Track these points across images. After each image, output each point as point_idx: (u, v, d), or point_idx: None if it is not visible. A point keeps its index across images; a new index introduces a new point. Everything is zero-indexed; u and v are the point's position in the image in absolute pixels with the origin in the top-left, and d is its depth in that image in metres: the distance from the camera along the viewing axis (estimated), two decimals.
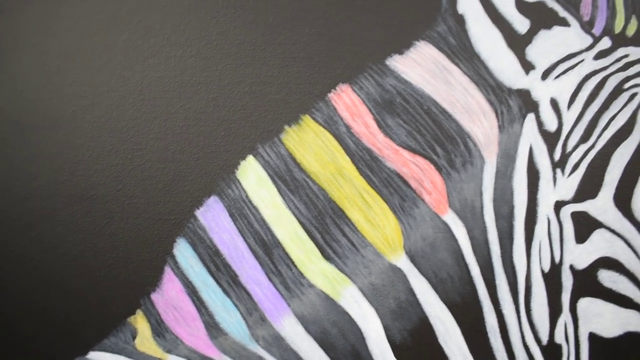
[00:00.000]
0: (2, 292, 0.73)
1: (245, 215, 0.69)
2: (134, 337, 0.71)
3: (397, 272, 0.69)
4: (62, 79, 0.71)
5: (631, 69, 0.69)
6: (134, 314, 0.71)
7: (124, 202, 0.70)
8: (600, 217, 0.69)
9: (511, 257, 0.69)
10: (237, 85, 0.68)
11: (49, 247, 0.71)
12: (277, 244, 0.69)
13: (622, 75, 0.69)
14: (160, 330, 0.71)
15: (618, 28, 0.69)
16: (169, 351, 0.71)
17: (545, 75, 0.69)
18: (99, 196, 0.70)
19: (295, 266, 0.69)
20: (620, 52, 0.69)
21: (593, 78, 0.69)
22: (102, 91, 0.70)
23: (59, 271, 0.71)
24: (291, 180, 0.68)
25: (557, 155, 0.69)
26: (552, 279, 0.69)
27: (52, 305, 0.72)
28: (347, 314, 0.69)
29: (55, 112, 0.71)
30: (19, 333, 0.73)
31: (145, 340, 0.71)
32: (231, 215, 0.69)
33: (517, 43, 0.68)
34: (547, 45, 0.68)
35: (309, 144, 0.69)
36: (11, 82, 0.71)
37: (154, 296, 0.70)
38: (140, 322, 0.71)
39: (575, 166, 0.69)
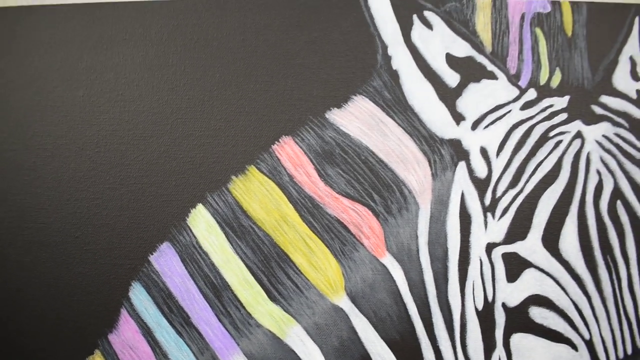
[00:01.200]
0: None
1: (195, 260, 0.74)
2: None
3: (339, 312, 0.73)
4: (24, 132, 0.76)
5: (556, 118, 0.75)
6: (92, 354, 0.75)
7: (82, 248, 0.75)
8: (529, 258, 0.74)
9: (446, 296, 0.74)
10: (187, 138, 0.73)
11: (11, 291, 0.76)
12: (226, 286, 0.74)
13: (547, 124, 0.75)
14: None
15: (543, 80, 0.74)
16: None
17: (474, 125, 0.74)
18: (58, 242, 0.75)
19: (243, 307, 0.74)
20: (546, 102, 0.74)
21: (520, 127, 0.74)
22: (61, 143, 0.75)
23: (20, 312, 0.76)
24: (238, 227, 0.73)
25: (488, 200, 0.74)
26: (486, 316, 0.74)
27: (14, 346, 0.76)
28: (293, 352, 0.74)
29: (17, 163, 0.76)
30: None
31: None
32: (183, 260, 0.74)
33: (448, 96, 0.73)
34: (476, 98, 0.73)
35: (254, 192, 0.73)
36: None
37: (111, 337, 0.75)
38: None
39: (505, 210, 0.74)
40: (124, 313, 0.75)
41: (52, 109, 0.75)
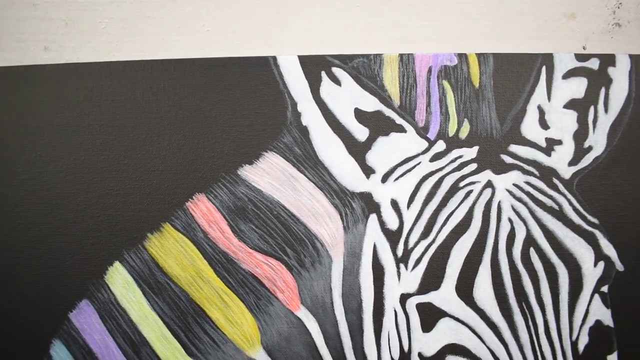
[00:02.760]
0: None
1: (114, 317, 0.76)
2: None
3: None
4: None
5: (465, 168, 0.77)
6: None
7: (3, 306, 0.77)
8: (444, 307, 0.76)
9: (362, 347, 0.75)
10: (104, 197, 0.76)
11: None
12: (145, 342, 0.75)
13: (457, 174, 0.77)
14: None
15: (452, 131, 0.77)
16: None
17: (385, 178, 0.76)
18: None
19: None
20: (455, 153, 0.77)
21: (430, 178, 0.76)
22: None
23: None
24: (155, 284, 0.75)
25: (400, 251, 0.76)
26: None
27: None
28: None
29: None
30: None
31: None
32: (101, 317, 0.76)
33: (358, 150, 0.76)
34: (386, 151, 0.76)
35: (169, 249, 0.76)
36: None
37: None
38: None
39: (418, 261, 0.75)
40: None
41: None
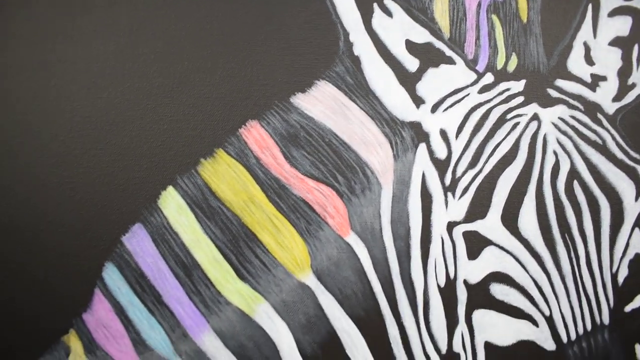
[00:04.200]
0: None
1: (166, 240, 0.78)
2: (67, 355, 0.80)
3: (306, 289, 0.78)
4: None
5: (512, 101, 0.79)
6: (67, 333, 0.79)
7: (56, 231, 0.79)
8: (489, 236, 0.78)
9: (409, 273, 0.78)
10: (157, 123, 0.78)
11: None
12: (196, 266, 0.78)
13: (504, 107, 0.79)
14: (91, 347, 0.79)
15: (500, 65, 0.79)
16: None
17: (434, 108, 0.79)
18: (33, 225, 0.79)
19: (213, 286, 0.78)
20: (502, 86, 0.79)
21: (478, 110, 0.79)
22: (35, 129, 0.79)
23: None
24: (207, 208, 0.78)
25: (448, 180, 0.78)
26: (448, 293, 0.78)
27: None
28: (261, 328, 0.78)
29: None
30: None
31: (77, 357, 0.79)
32: (154, 240, 0.78)
33: (408, 80, 0.78)
34: (436, 82, 0.78)
35: (222, 174, 0.78)
36: None
37: (85, 316, 0.79)
38: (73, 340, 0.79)
39: (465, 190, 0.78)
40: (97, 293, 0.79)
41: (24, 98, 0.80)
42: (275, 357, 0.77)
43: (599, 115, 0.79)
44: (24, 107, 0.79)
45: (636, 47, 0.80)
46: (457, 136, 0.78)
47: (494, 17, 0.79)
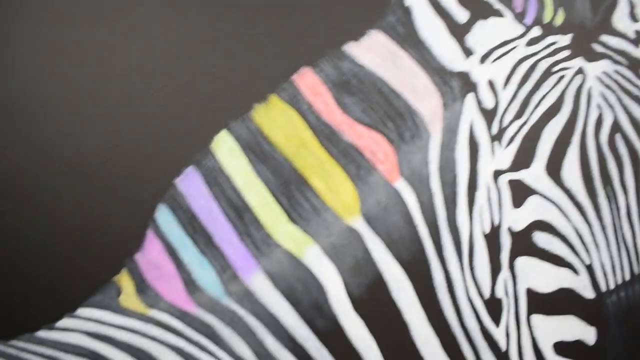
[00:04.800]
0: None
1: (219, 183, 0.81)
2: (118, 294, 0.82)
3: (354, 233, 0.80)
4: (57, 61, 0.83)
5: (559, 54, 0.82)
6: (118, 273, 0.82)
7: (110, 173, 0.81)
8: (533, 185, 0.81)
9: (455, 219, 0.80)
10: (212, 68, 0.81)
11: (41, 214, 0.82)
12: (248, 208, 0.80)
13: (551, 60, 0.82)
14: (142, 287, 0.82)
15: (547, 19, 0.82)
16: (150, 306, 0.82)
17: (483, 59, 0.81)
18: (87, 167, 0.82)
19: (263, 228, 0.80)
20: (549, 39, 0.82)
21: (525, 62, 0.81)
22: (93, 73, 0.82)
23: (51, 235, 0.82)
24: (260, 152, 0.80)
25: (495, 129, 0.81)
26: (492, 239, 0.81)
27: (43, 267, 0.83)
28: (310, 271, 0.80)
29: (46, 89, 0.83)
30: (11, 294, 0.84)
31: (129, 296, 0.82)
32: (207, 183, 0.81)
33: (458, 31, 0.81)
34: (484, 34, 0.81)
35: (275, 119, 0.80)
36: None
37: (138, 257, 0.81)
38: (124, 280, 0.82)
39: (511, 139, 0.81)
40: (150, 234, 0.81)
41: (79, 42, 0.82)
42: (323, 298, 0.80)
43: None
44: (78, 51, 0.82)
45: None
46: (504, 87, 0.80)
47: None
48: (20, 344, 0.84)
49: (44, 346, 0.84)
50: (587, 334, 0.79)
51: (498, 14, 0.81)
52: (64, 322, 0.83)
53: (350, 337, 0.80)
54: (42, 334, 0.84)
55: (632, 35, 0.82)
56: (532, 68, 0.81)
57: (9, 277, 0.84)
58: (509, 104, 0.81)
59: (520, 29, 0.81)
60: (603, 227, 0.81)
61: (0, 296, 0.84)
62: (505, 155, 0.80)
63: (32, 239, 0.83)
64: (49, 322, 0.83)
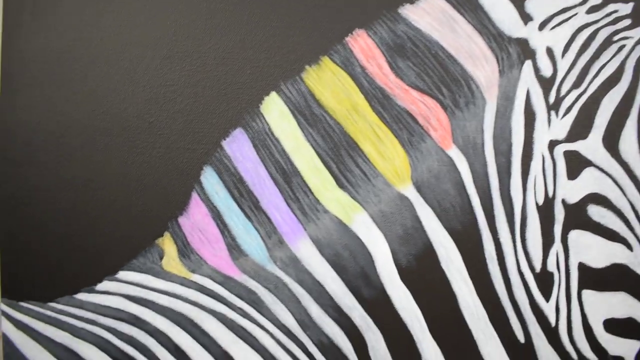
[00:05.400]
0: (36, 217, 0.82)
1: (267, 146, 0.79)
2: (161, 258, 0.81)
3: (405, 200, 0.78)
4: (98, 25, 0.81)
5: (620, 23, 0.80)
6: (161, 236, 0.80)
7: (155, 134, 0.80)
8: (590, 157, 0.79)
9: (509, 190, 0.79)
10: (263, 29, 0.79)
11: (86, 175, 0.81)
12: (296, 172, 0.79)
13: (611, 28, 0.80)
14: (185, 251, 0.80)
15: None
16: (193, 271, 0.80)
17: (542, 26, 0.79)
18: (132, 128, 0.80)
19: (312, 193, 0.79)
20: (610, 7, 0.79)
21: (585, 30, 0.79)
22: (136, 33, 0.80)
23: (94, 197, 0.81)
24: (310, 115, 0.79)
25: (552, 98, 0.79)
26: (546, 211, 0.79)
27: (86, 229, 0.82)
28: (358, 238, 0.79)
29: (91, 52, 0.81)
30: (52, 256, 0.83)
31: (171, 260, 0.81)
32: (254, 145, 0.79)
33: None
34: (544, 0, 0.78)
35: (327, 82, 0.79)
36: (53, 24, 0.81)
37: (181, 220, 0.80)
38: (167, 243, 0.81)
39: (568, 109, 0.79)
40: (194, 196, 0.80)
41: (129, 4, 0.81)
42: (370, 267, 0.78)
43: None
44: (128, 13, 0.80)
45: None
46: (563, 55, 0.78)
47: None
48: (59, 306, 0.84)
49: (83, 308, 0.83)
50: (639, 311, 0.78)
51: None
52: (104, 285, 0.83)
53: (396, 307, 0.79)
54: (82, 296, 0.83)
55: None
56: (592, 37, 0.79)
57: (51, 239, 0.83)
58: (567, 73, 0.79)
59: None
60: None
61: (41, 258, 0.83)
62: (562, 125, 0.78)
63: (75, 199, 0.82)
64: (90, 284, 0.82)
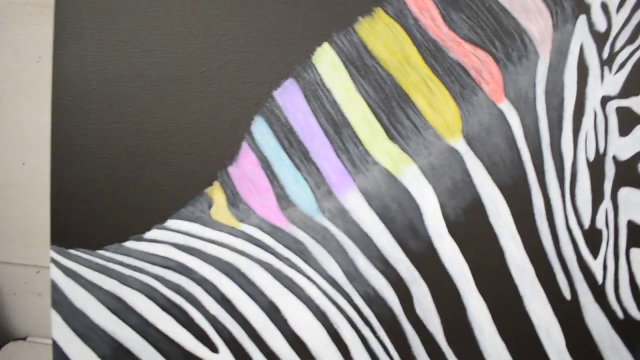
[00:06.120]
0: (87, 165, 0.84)
1: (318, 97, 0.80)
2: (209, 207, 0.82)
3: (455, 154, 0.79)
4: None
5: None
6: (211, 185, 0.82)
7: (207, 83, 0.81)
8: None
9: (559, 145, 0.79)
10: None
11: (136, 122, 0.82)
12: (346, 123, 0.79)
13: None
14: (234, 201, 0.81)
15: None
16: (241, 220, 0.82)
17: None
18: (184, 77, 0.81)
19: (361, 144, 0.79)
20: None
21: None
22: None
23: (143, 145, 0.82)
24: (362, 66, 0.79)
25: (606, 54, 0.79)
26: (596, 167, 0.79)
27: (136, 178, 0.83)
28: (406, 190, 0.79)
29: (144, 3, 0.82)
30: (101, 203, 0.84)
31: (220, 209, 0.82)
32: (305, 96, 0.80)
33: None
34: None
35: (379, 34, 0.79)
36: None
37: (231, 169, 0.81)
38: (216, 193, 0.82)
39: (622, 65, 0.78)
40: (244, 146, 0.81)
41: None
42: (418, 219, 0.79)
43: None
44: None
45: None
46: (618, 10, 0.78)
47: None
48: (108, 253, 0.85)
49: (131, 257, 0.85)
50: None
51: None
52: (153, 233, 0.84)
53: (444, 261, 0.80)
54: (130, 244, 0.84)
55: None
56: None
57: (101, 187, 0.84)
58: (621, 29, 0.78)
59: None
60: None
61: (91, 206, 0.85)
62: (615, 81, 0.78)
63: (126, 147, 0.83)
64: (138, 233, 0.84)
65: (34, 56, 1.06)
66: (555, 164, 0.79)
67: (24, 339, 1.28)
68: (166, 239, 0.84)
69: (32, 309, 1.26)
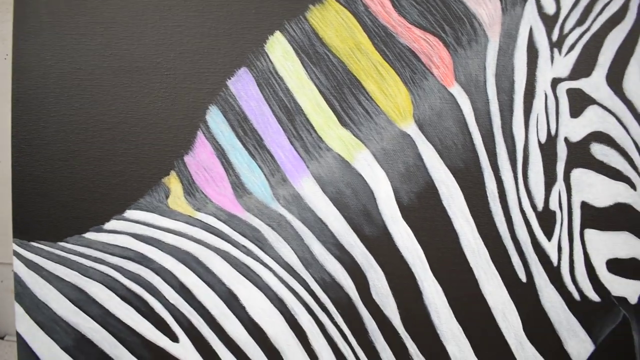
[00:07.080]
0: (46, 158, 0.85)
1: (271, 85, 0.81)
2: (167, 197, 0.83)
3: (407, 138, 0.80)
4: None
5: None
6: (167, 175, 0.83)
7: (162, 74, 0.82)
8: (593, 95, 0.80)
9: (511, 127, 0.80)
10: None
11: (94, 114, 0.84)
12: (299, 111, 0.81)
13: None
14: (191, 190, 0.83)
15: None
16: (198, 209, 0.83)
17: None
18: (140, 68, 0.83)
19: (315, 131, 0.81)
20: None
21: None
22: None
23: (100, 136, 0.84)
24: (314, 54, 0.80)
25: (555, 36, 0.79)
26: (548, 149, 0.80)
27: (94, 169, 0.84)
28: (360, 176, 0.80)
29: None
30: (63, 195, 0.85)
31: (177, 199, 0.83)
32: (259, 84, 0.81)
33: None
34: None
35: (330, 21, 0.80)
36: None
37: (187, 159, 0.83)
38: (173, 182, 0.83)
39: (572, 47, 0.79)
40: (200, 135, 0.82)
41: None
42: (372, 204, 0.80)
43: None
44: None
45: None
46: None
47: None
48: (69, 245, 0.87)
49: (91, 248, 0.86)
50: None
51: None
52: (112, 224, 0.85)
53: (398, 245, 0.80)
54: (90, 235, 0.86)
55: None
56: None
57: (60, 179, 0.85)
58: (570, 10, 0.79)
59: None
60: None
61: (52, 198, 0.86)
62: (565, 62, 0.79)
63: (85, 139, 0.85)
64: (98, 224, 0.85)
65: (1, 53, 1.09)
66: (507, 147, 0.80)
67: (2, 338, 1.30)
68: (125, 229, 0.85)
69: (9, 307, 1.28)
